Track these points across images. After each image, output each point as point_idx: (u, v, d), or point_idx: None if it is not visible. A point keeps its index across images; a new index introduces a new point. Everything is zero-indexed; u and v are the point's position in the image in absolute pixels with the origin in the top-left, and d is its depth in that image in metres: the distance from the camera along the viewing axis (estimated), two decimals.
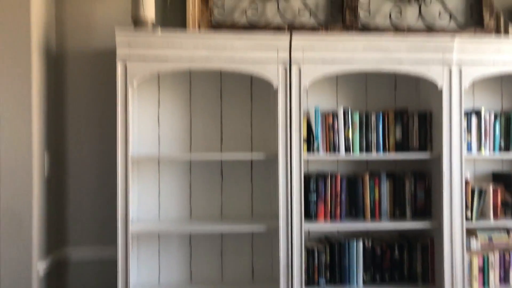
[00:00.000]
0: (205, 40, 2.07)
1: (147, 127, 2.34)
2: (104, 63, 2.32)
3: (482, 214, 2.33)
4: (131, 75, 2.04)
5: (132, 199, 2.12)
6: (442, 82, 2.18)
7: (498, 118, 2.36)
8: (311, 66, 2.13)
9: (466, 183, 2.24)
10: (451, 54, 2.18)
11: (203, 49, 2.08)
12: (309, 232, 2.39)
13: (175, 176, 2.36)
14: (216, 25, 2.35)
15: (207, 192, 2.38)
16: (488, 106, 2.48)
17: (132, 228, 2.08)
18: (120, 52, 2.03)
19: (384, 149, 2.31)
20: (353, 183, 2.35)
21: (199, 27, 2.31)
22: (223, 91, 2.39)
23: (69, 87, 2.35)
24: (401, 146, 2.33)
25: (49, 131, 2.23)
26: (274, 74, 2.12)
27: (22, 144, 2.01)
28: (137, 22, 2.12)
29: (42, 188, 2.14)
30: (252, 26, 2.36)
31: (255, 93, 2.40)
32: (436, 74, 2.18)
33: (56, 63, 2.33)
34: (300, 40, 2.10)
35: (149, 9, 2.11)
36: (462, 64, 2.19)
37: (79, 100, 2.36)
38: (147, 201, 2.34)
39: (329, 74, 2.17)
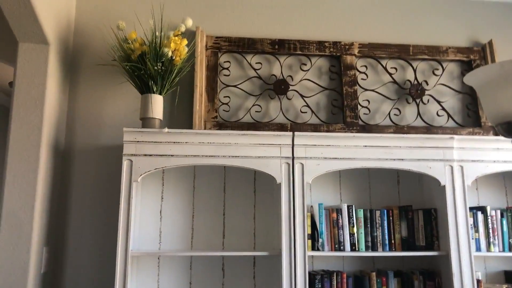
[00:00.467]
0: (210, 137, 2.14)
1: (149, 221, 2.33)
2: (111, 158, 2.38)
3: None
4: (136, 171, 2.08)
5: None
6: (444, 180, 2.20)
7: (505, 215, 2.34)
8: (314, 162, 2.16)
9: (478, 282, 2.15)
10: (451, 152, 2.22)
11: (208, 146, 2.13)
12: None
13: (175, 271, 2.29)
14: (221, 123, 2.44)
15: None
16: (493, 202, 2.47)
17: None
18: (127, 149, 2.09)
19: (390, 246, 2.26)
20: (359, 282, 2.26)
21: (205, 126, 2.40)
22: (226, 185, 2.41)
23: (74, 182, 2.39)
24: (407, 243, 2.28)
25: (50, 226, 2.22)
26: (277, 170, 2.15)
27: (21, 240, 1.99)
28: (145, 121, 2.21)
29: (37, 285, 2.07)
30: (255, 124, 2.45)
31: (258, 186, 2.41)
32: (437, 171, 2.20)
33: (63, 159, 2.39)
34: (302, 138, 2.17)
35: (157, 110, 2.21)
36: (463, 162, 2.22)
37: (83, 195, 2.37)
38: None
39: (331, 171, 2.20)
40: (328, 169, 2.18)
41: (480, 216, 2.31)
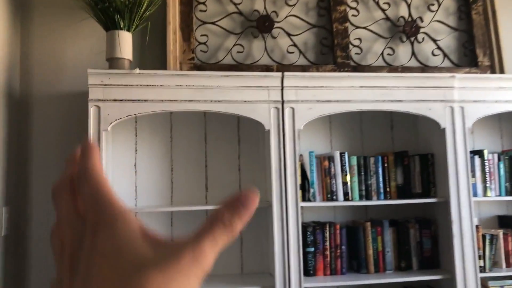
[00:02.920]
0: (188, 79, 1.88)
1: (122, 176, 2.09)
2: (75, 106, 2.09)
3: (494, 263, 2.14)
4: (105, 119, 1.82)
5: None
6: (444, 122, 2.04)
7: (502, 159, 2.23)
8: (305, 106, 1.96)
9: (477, 228, 2.05)
10: (452, 92, 2.05)
11: (186, 90, 1.88)
12: None
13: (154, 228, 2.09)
14: (199, 66, 2.18)
15: None
16: (488, 145, 2.35)
17: None
18: (93, 94, 1.81)
19: (385, 195, 2.12)
20: (353, 233, 2.13)
21: (180, 68, 2.13)
22: (207, 134, 2.18)
23: (34, 134, 2.10)
24: (403, 190, 2.15)
25: (9, 183, 1.95)
26: (265, 116, 1.93)
27: None
28: (112, 62, 1.93)
29: None
30: (238, 66, 2.20)
31: (243, 135, 2.20)
32: (437, 113, 2.04)
33: (20, 108, 2.09)
34: (293, 79, 1.94)
35: (126, 48, 1.93)
36: (464, 103, 2.06)
37: (45, 148, 2.10)
38: None
39: (325, 115, 2.00)
40: (321, 113, 1.98)
41: (477, 160, 2.19)
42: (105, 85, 1.83)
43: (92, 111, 1.81)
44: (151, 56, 2.18)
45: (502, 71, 2.33)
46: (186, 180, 2.14)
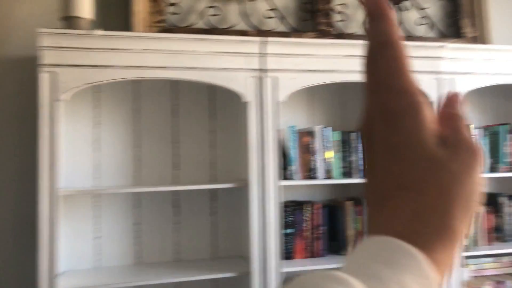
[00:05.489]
0: (158, 43, 1.66)
1: (81, 153, 1.86)
2: (25, 72, 1.82)
3: (475, 241, 2.08)
4: (61, 87, 1.58)
5: (60, 246, 1.62)
6: (432, 95, 1.93)
7: (486, 135, 2.16)
8: (288, 76, 1.78)
9: None
10: (439, 63, 1.94)
11: (155, 55, 1.66)
12: (283, 273, 2.01)
13: (117, 211, 1.89)
14: (169, 29, 1.95)
15: (159, 231, 1.93)
16: (471, 121, 2.27)
17: (61, 284, 1.57)
18: (46, 58, 1.56)
19: None
20: (333, 212, 2.01)
21: (148, 31, 1.89)
22: (179, 106, 1.97)
23: None
24: None
25: None
26: (244, 86, 1.75)
27: None
28: (69, 21, 1.67)
29: None
30: (211, 31, 1.98)
31: (217, 107, 2.01)
32: (425, 85, 1.92)
33: None
34: (274, 44, 1.76)
35: (84, 6, 1.67)
36: (453, 75, 1.95)
37: None
38: (82, 247, 1.84)
39: (308, 86, 1.84)
40: (305, 84, 1.82)
41: None
42: (61, 47, 1.58)
43: (44, 77, 1.56)
44: (114, 17, 1.93)
45: (488, 42, 2.24)
46: (153, 157, 1.94)
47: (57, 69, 1.57)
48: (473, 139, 0.28)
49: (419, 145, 0.27)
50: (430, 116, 0.28)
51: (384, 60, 0.28)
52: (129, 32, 1.70)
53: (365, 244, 0.27)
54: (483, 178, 0.28)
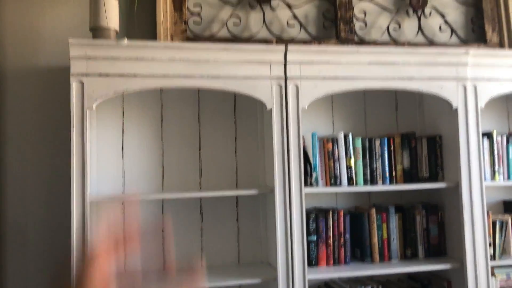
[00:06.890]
0: (183, 52, 1.70)
1: (108, 160, 1.90)
2: (55, 82, 1.88)
3: (503, 250, 2.05)
4: (90, 96, 1.62)
5: None
6: (457, 102, 1.91)
7: (510, 141, 2.12)
8: (310, 83, 1.80)
9: (487, 214, 1.95)
10: (465, 69, 1.92)
11: (180, 64, 1.70)
12: (307, 281, 2.01)
13: (144, 217, 1.91)
14: (192, 39, 1.99)
15: (183, 237, 1.95)
16: (495, 127, 2.24)
17: None
18: (76, 68, 1.61)
19: (391, 179, 1.99)
20: (357, 220, 2.01)
21: (171, 41, 1.94)
22: (201, 113, 2.00)
23: (8, 114, 1.88)
24: (410, 174, 2.02)
25: None
26: (267, 94, 1.77)
27: None
28: (97, 32, 1.72)
29: None
30: (233, 40, 2.01)
31: (239, 115, 2.03)
32: (449, 92, 1.91)
33: None
34: (297, 52, 1.78)
35: (112, 17, 1.72)
36: (477, 81, 1.94)
37: (21, 129, 1.89)
38: None
39: (331, 93, 1.85)
40: (327, 91, 1.83)
41: (486, 142, 2.08)
42: (89, 57, 1.62)
43: (74, 87, 1.61)
44: (139, 27, 1.98)
45: (511, 48, 2.22)
46: (178, 164, 1.97)
47: (86, 79, 1.62)
48: None
49: None
50: None
51: None
52: (154, 42, 1.74)
53: None
54: None
